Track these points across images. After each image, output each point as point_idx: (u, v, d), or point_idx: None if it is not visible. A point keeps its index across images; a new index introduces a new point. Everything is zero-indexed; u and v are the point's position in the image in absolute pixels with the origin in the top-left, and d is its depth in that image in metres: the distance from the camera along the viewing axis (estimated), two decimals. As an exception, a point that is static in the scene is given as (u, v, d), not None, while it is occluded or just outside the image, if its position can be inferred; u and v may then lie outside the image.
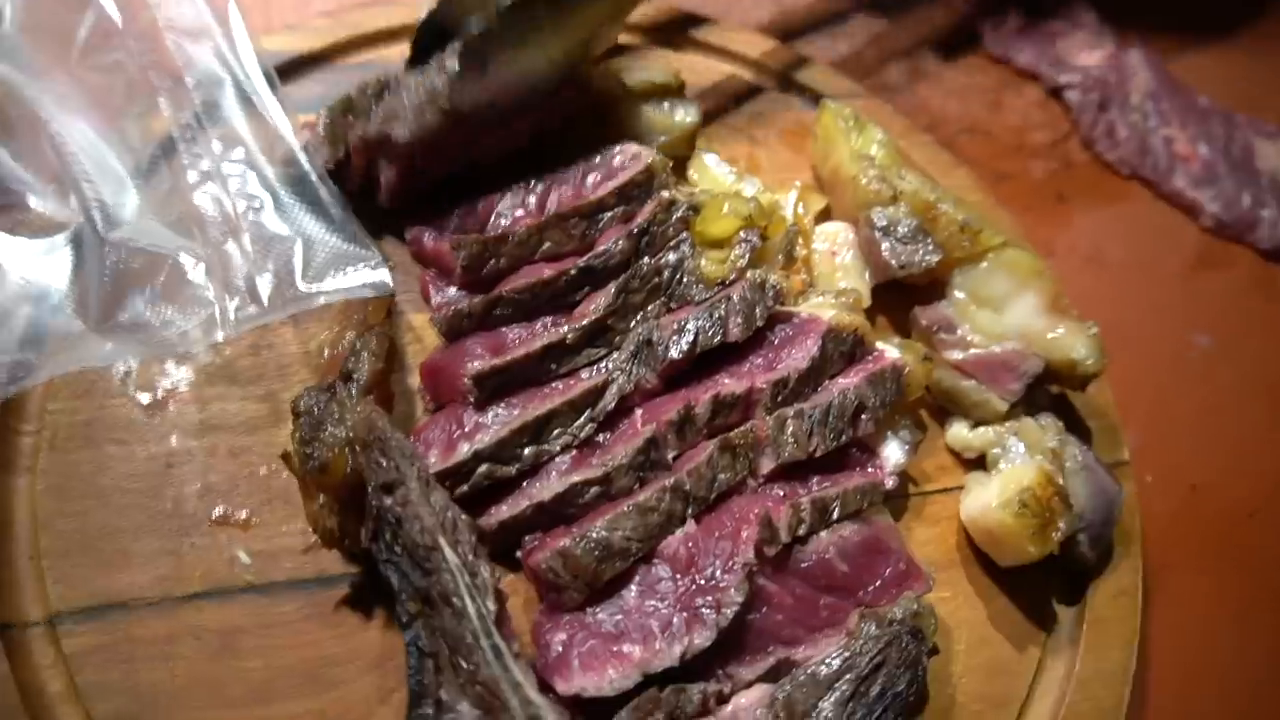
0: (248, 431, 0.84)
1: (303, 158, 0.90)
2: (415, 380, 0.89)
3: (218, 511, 0.80)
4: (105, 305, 0.84)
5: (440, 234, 0.93)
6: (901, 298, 0.99)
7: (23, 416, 0.82)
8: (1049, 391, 0.97)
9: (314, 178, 0.90)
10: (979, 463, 0.94)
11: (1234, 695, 0.95)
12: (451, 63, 0.87)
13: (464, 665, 0.65)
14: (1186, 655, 0.95)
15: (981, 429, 0.93)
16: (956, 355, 0.93)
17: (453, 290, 0.91)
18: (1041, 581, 0.89)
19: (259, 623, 0.77)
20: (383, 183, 0.93)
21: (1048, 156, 1.27)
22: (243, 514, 0.80)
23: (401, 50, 1.06)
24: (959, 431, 0.94)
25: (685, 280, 0.90)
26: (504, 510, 0.79)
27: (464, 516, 0.71)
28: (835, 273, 0.99)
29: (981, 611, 0.88)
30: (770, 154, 1.11)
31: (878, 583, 0.80)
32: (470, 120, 0.90)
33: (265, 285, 0.85)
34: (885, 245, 0.96)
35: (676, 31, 1.17)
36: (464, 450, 0.79)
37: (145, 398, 0.84)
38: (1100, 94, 1.30)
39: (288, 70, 1.04)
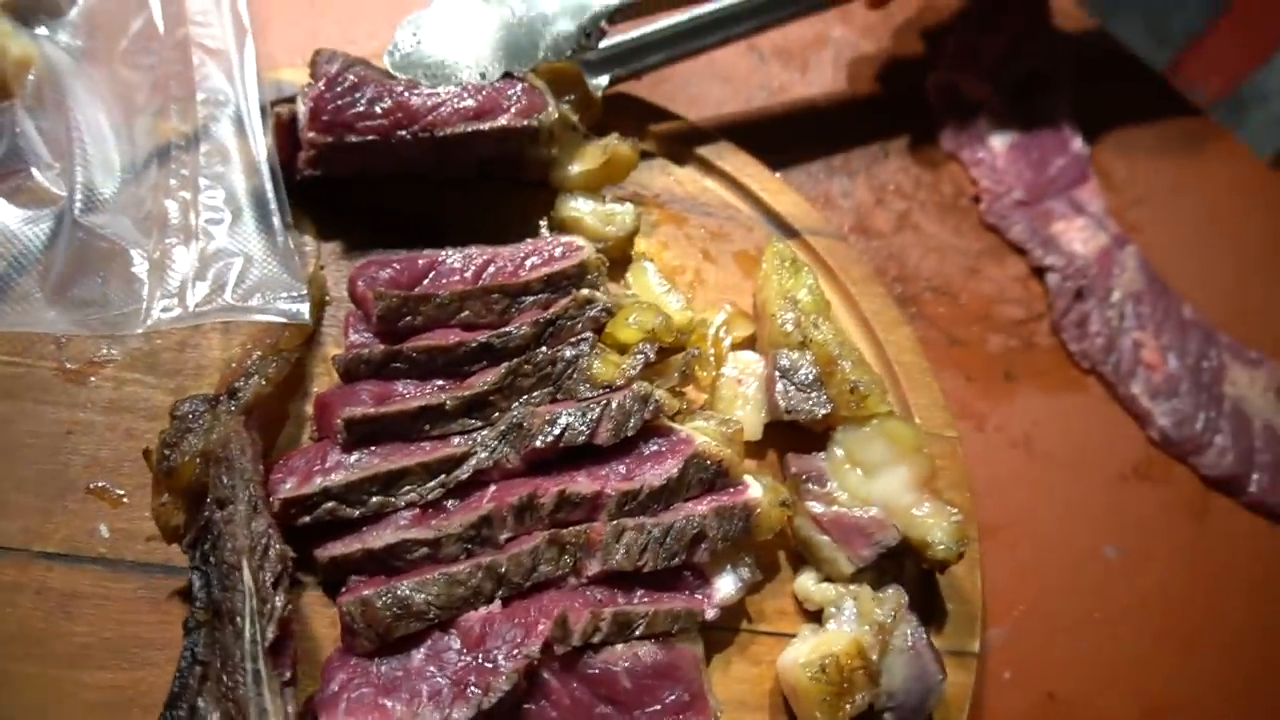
0: (148, 418, 0.92)
1: (268, 185, 0.99)
2: (310, 408, 0.96)
3: (98, 483, 0.89)
4: (61, 278, 0.94)
5: (374, 281, 1.00)
6: (796, 439, 1.02)
7: (-38, 359, 0.93)
8: (916, 564, 0.98)
9: (273, 206, 0.99)
10: (817, 616, 0.96)
11: None
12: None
13: (226, 681, 0.71)
14: None
15: (826, 585, 0.95)
16: (818, 508, 0.96)
17: (367, 334, 0.98)
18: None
19: (98, 593, 0.84)
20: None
21: (1010, 333, 1.28)
22: (118, 492, 0.89)
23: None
24: (804, 582, 0.96)
25: (575, 376, 0.95)
26: (339, 548, 0.85)
27: (278, 548, 0.78)
28: (736, 399, 1.03)
29: (769, 763, 0.90)
30: (720, 272, 1.15)
31: (657, 706, 0.83)
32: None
33: (198, 292, 0.94)
34: (779, 387, 0.99)
35: (681, 144, 1.22)
36: (316, 483, 0.86)
37: (72, 365, 0.93)
38: (1081, 283, 1.30)
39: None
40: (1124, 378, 1.26)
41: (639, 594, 0.88)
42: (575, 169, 1.08)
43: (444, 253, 1.02)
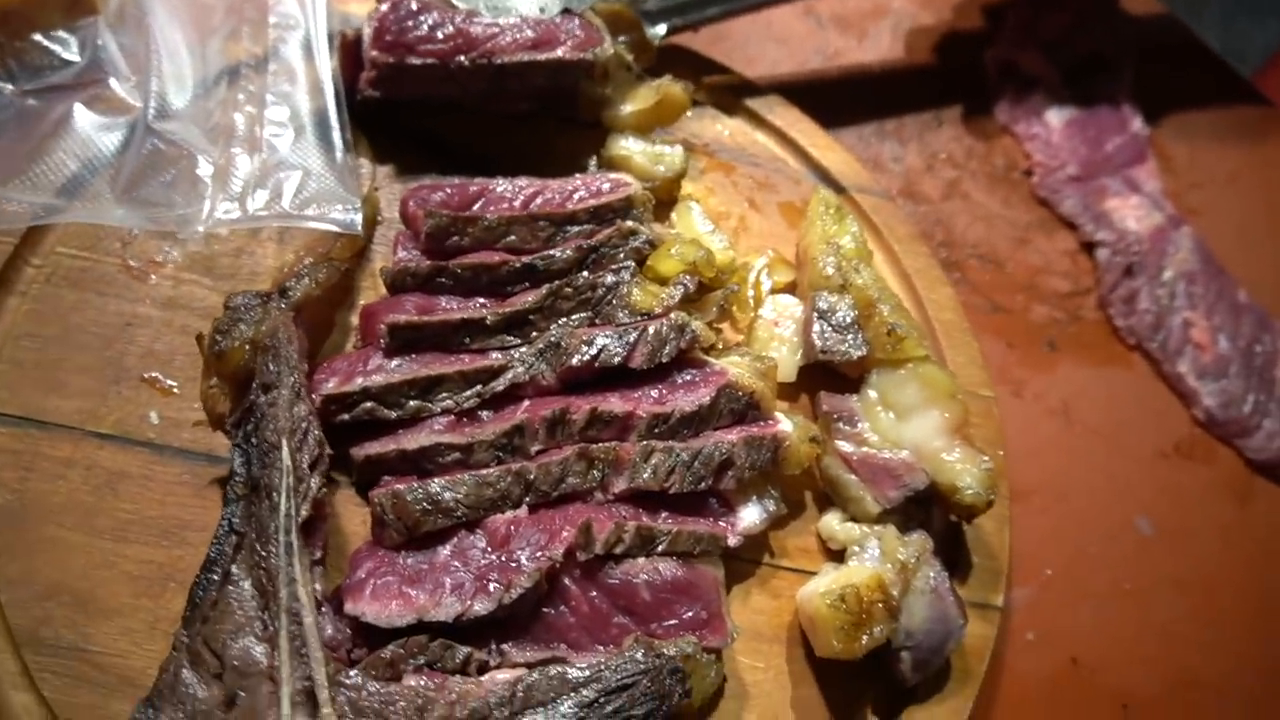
0: (203, 316, 0.95)
1: (331, 105, 1.03)
2: (355, 318, 0.99)
3: (151, 374, 0.92)
4: (131, 179, 0.98)
5: (424, 201, 1.03)
6: (830, 382, 1.02)
7: (35, 250, 0.97)
8: (944, 516, 0.98)
9: (334, 125, 1.02)
10: (840, 557, 0.96)
11: None
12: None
13: (259, 550, 0.73)
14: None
15: (850, 525, 0.95)
16: (847, 448, 0.96)
17: (415, 252, 1.01)
18: (858, 687, 0.91)
19: (144, 474, 0.88)
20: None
21: (1055, 304, 1.26)
22: (170, 382, 0.92)
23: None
24: (829, 521, 0.96)
25: (615, 302, 0.97)
26: (374, 447, 0.88)
27: (318, 433, 0.80)
28: (771, 341, 1.04)
29: (786, 693, 0.90)
30: (764, 221, 1.16)
31: (674, 621, 0.84)
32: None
33: (258, 199, 0.97)
34: (816, 327, 1.00)
35: (733, 96, 1.24)
36: (357, 383, 0.88)
37: (135, 263, 0.97)
38: (1132, 259, 1.29)
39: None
40: (1171, 356, 1.24)
41: (663, 515, 0.89)
42: (627, 109, 1.10)
43: (494, 181, 1.05)
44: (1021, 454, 1.11)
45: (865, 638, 0.85)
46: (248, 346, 0.83)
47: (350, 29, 1.07)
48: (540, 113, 1.11)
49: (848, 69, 1.39)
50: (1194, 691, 1.04)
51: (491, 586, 0.79)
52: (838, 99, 1.35)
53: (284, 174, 0.99)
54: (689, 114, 1.14)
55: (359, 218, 0.97)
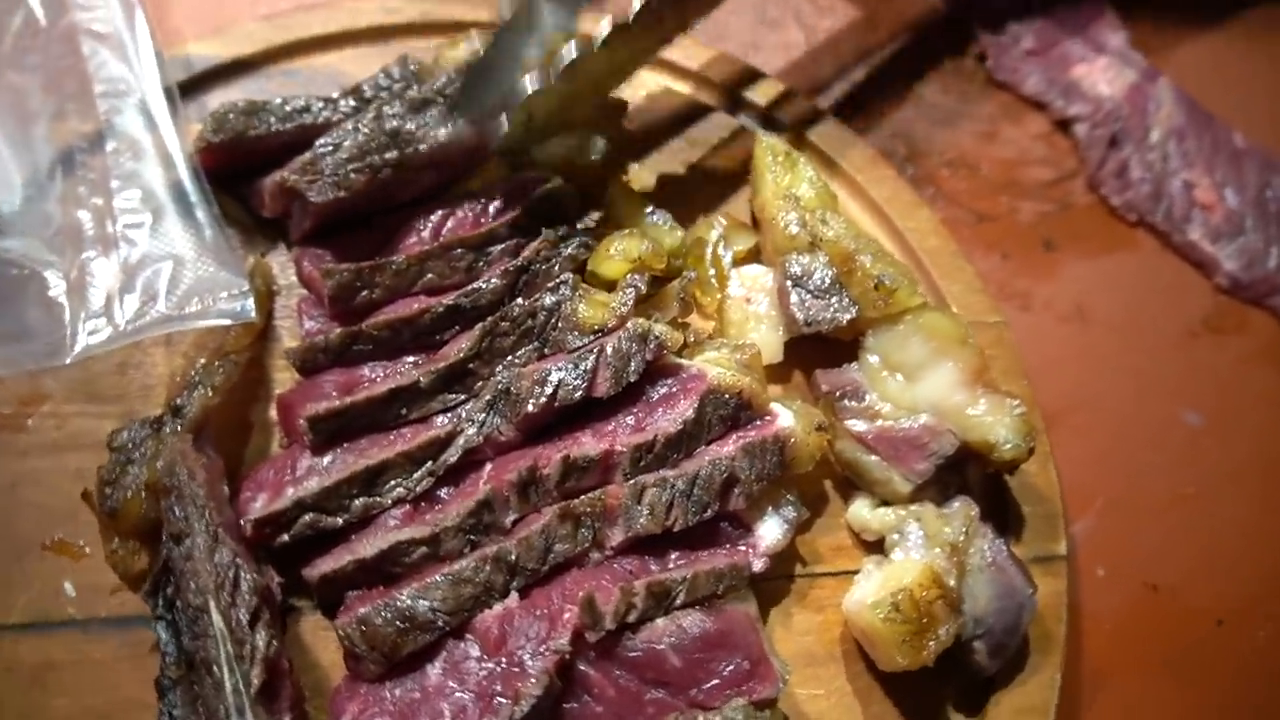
0: (98, 452, 0.81)
1: (185, 176, 0.88)
2: (275, 412, 0.86)
3: (54, 537, 0.79)
4: (-25, 315, 0.84)
5: (320, 258, 0.89)
6: (824, 352, 0.90)
7: (-120, 427, 0.83)
8: (981, 470, 0.86)
9: (195, 199, 0.88)
10: (879, 547, 0.85)
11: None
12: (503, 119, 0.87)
13: (213, 741, 0.61)
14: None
15: (883, 510, 0.84)
16: (860, 426, 0.84)
17: (323, 320, 0.87)
18: (934, 689, 0.80)
19: (73, 659, 0.75)
20: (293, 227, 0.91)
21: (1042, 197, 1.14)
22: (79, 542, 0.79)
23: (330, 60, 1.04)
24: (859, 510, 0.85)
25: (561, 325, 0.84)
26: (328, 563, 0.75)
27: (250, 579, 0.67)
28: (747, 321, 0.91)
29: (856, 715, 0.80)
30: (707, 184, 1.02)
31: (715, 681, 0.72)
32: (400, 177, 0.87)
33: (129, 306, 0.83)
34: (794, 297, 0.87)
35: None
36: (289, 495, 0.75)
37: (5, 410, 0.83)
38: (1115, 128, 1.16)
39: (214, 76, 1.02)
40: (1178, 224, 1.12)
41: (673, 557, 0.78)
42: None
43: (395, 216, 0.91)
44: (1045, 373, 0.99)
45: (931, 644, 0.74)
46: (144, 493, 0.70)
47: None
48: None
49: (760, -11, 1.24)
50: (1289, 591, 0.94)
51: (497, 702, 0.67)
52: (761, 32, 1.21)
53: (151, 270, 0.85)
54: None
55: (249, 300, 0.83)
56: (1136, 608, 0.93)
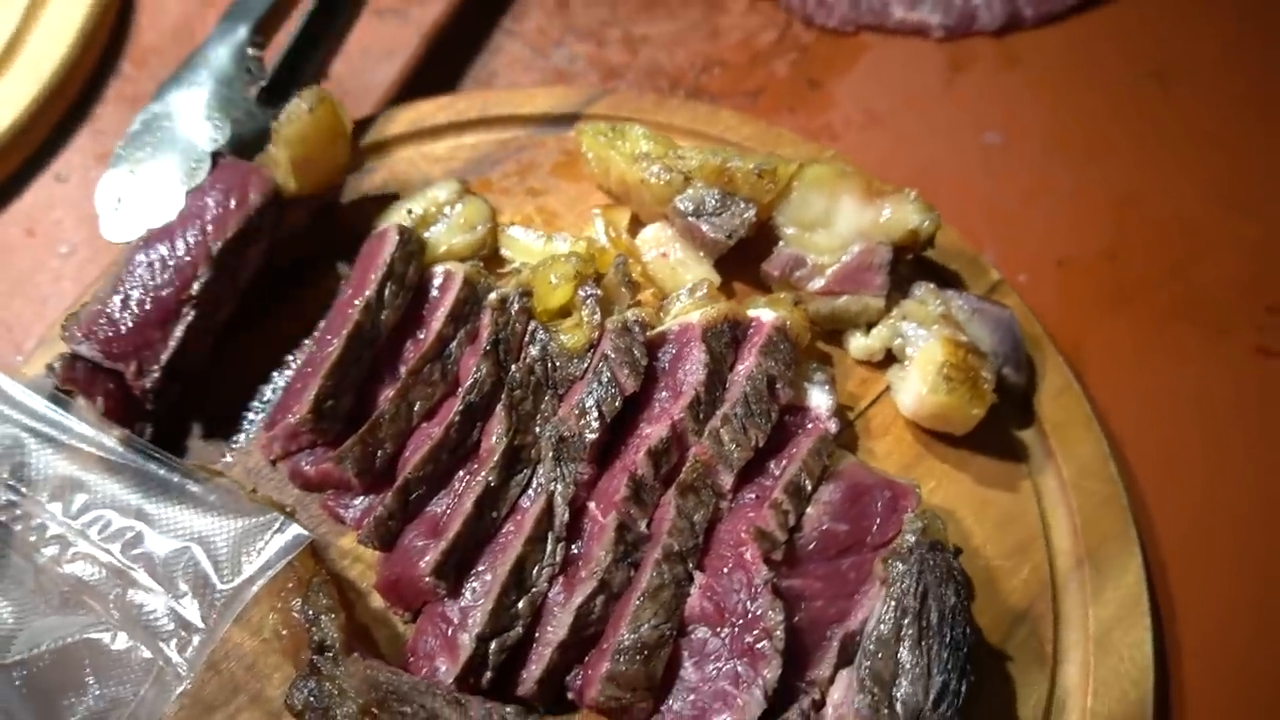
0: (259, 749, 0.80)
1: (119, 449, 0.85)
2: (379, 600, 0.86)
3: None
4: (44, 724, 0.78)
5: (320, 457, 0.89)
6: (742, 257, 1.01)
7: None
8: (908, 263, 1.01)
9: (152, 467, 0.85)
10: (889, 361, 0.98)
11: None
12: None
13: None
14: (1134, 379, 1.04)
15: (875, 330, 0.97)
16: (819, 283, 0.97)
17: (360, 500, 0.88)
18: (995, 424, 0.94)
19: None
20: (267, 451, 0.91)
21: (781, 53, 1.31)
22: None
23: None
24: (858, 343, 0.98)
25: (559, 365, 0.90)
26: (534, 670, 0.79)
27: (509, 709, 0.70)
28: (675, 269, 1.01)
29: (967, 481, 0.93)
30: (558, 197, 1.11)
31: (877, 521, 0.83)
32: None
33: (191, 610, 0.80)
34: (704, 225, 0.98)
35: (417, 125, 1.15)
36: (466, 641, 0.78)
37: (141, 786, 0.79)
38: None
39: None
40: (882, 14, 1.32)
41: (775, 467, 0.87)
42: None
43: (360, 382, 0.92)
44: (881, 170, 1.16)
45: (986, 385, 0.89)
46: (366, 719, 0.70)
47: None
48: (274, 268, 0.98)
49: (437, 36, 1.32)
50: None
51: (759, 648, 0.74)
52: (480, 66, 1.29)
53: (185, 564, 0.82)
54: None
55: (293, 524, 0.83)
56: (1089, 280, 1.11)
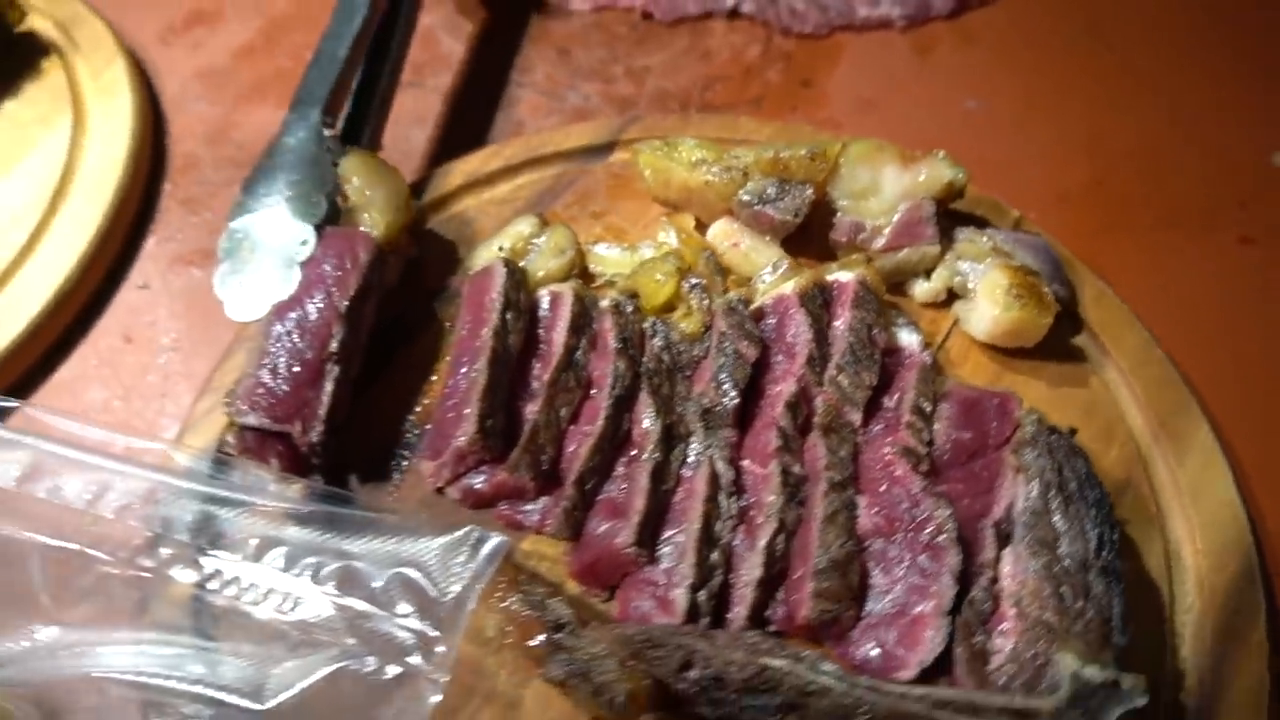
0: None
1: (320, 505, 0.92)
2: (573, 587, 0.94)
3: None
4: None
5: (484, 473, 0.97)
6: (801, 237, 1.14)
7: None
8: (945, 215, 1.15)
9: (350, 512, 0.92)
10: (950, 300, 1.11)
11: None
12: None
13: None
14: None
15: (935, 273, 1.10)
16: (880, 242, 1.10)
17: (535, 503, 0.96)
18: (1052, 336, 1.06)
19: None
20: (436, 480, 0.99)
21: (769, 63, 1.46)
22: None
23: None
24: (923, 287, 1.11)
25: (682, 351, 1.01)
26: (740, 610, 0.88)
27: (750, 633, 0.80)
28: (749, 256, 1.13)
29: (1043, 387, 1.06)
30: (620, 216, 1.22)
31: (994, 425, 0.95)
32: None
33: (422, 624, 0.87)
34: (770, 210, 1.10)
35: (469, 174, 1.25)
36: (679, 595, 0.86)
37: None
38: (754, -11, 1.50)
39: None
40: (849, 13, 1.49)
41: (890, 401, 0.99)
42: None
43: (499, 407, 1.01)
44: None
45: (1050, 297, 1.03)
46: (626, 671, 0.78)
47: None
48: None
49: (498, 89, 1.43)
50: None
51: (937, 541, 0.86)
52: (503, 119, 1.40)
53: (401, 587, 0.89)
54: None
55: (494, 534, 0.90)
56: (1073, 190, 1.28)
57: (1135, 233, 1.26)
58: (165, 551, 0.93)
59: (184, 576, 0.92)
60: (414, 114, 1.41)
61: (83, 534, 0.94)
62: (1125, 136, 1.35)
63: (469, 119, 1.41)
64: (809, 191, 1.10)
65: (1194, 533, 0.96)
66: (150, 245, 1.29)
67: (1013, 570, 0.85)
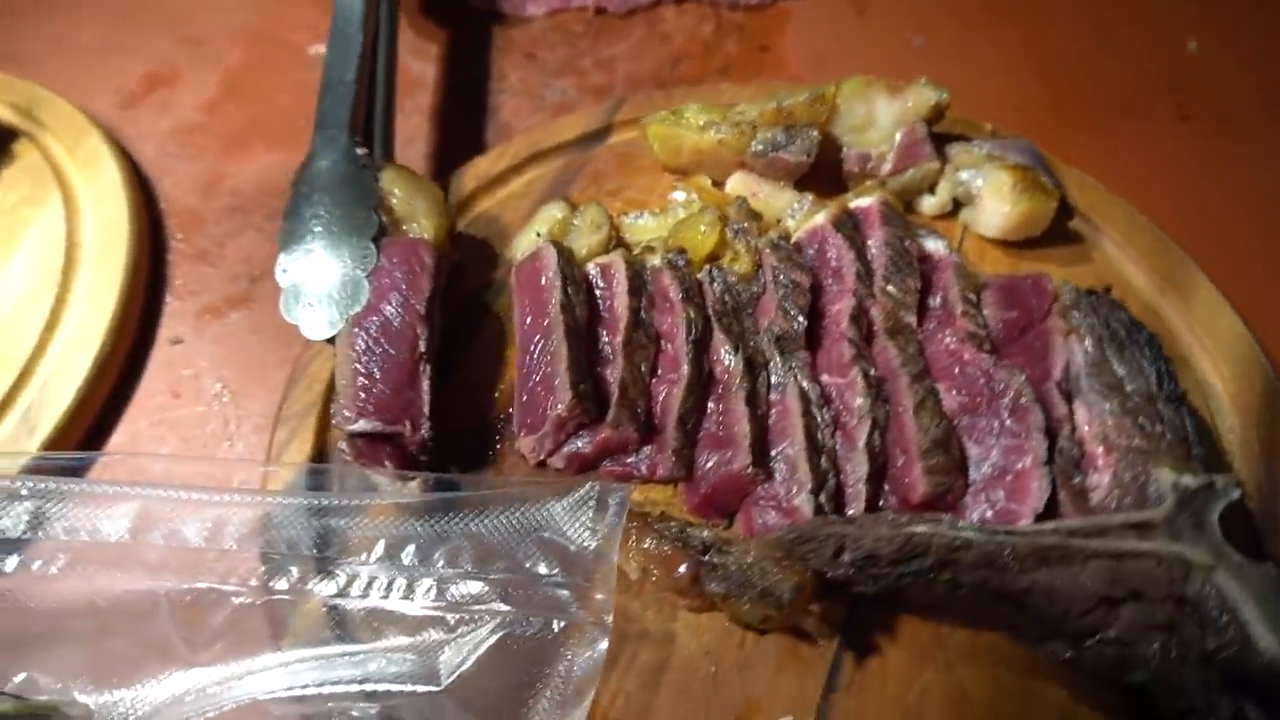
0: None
1: (438, 494, 0.95)
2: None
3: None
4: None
5: (585, 435, 1.02)
6: (812, 176, 1.23)
7: None
8: (931, 137, 1.26)
9: (469, 493, 0.95)
10: (956, 210, 1.22)
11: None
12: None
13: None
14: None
15: (939, 186, 1.21)
16: (887, 167, 1.20)
17: (640, 453, 1.01)
18: (1050, 226, 1.19)
19: None
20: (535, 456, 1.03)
21: (725, 36, 1.55)
22: (738, 706, 0.89)
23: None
24: (929, 201, 1.21)
25: (740, 290, 1.08)
26: (858, 506, 0.95)
27: (886, 511, 0.87)
28: (769, 202, 1.21)
29: (1055, 267, 1.17)
30: (635, 189, 1.28)
31: (1034, 301, 1.05)
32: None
33: (564, 581, 0.91)
34: (785, 155, 1.18)
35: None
36: (804, 500, 0.93)
37: None
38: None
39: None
40: (784, -18, 1.59)
41: (934, 300, 1.08)
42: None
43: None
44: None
45: (1049, 184, 1.15)
46: (785, 567, 0.84)
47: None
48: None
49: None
50: None
51: (1020, 402, 0.95)
52: (493, 124, 1.45)
53: (537, 552, 0.93)
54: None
55: (611, 485, 0.95)
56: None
57: (1087, 128, 1.39)
58: (295, 570, 0.95)
59: (324, 590, 0.94)
60: (402, 135, 1.43)
61: (210, 571, 0.96)
62: (1059, 45, 1.49)
63: (457, 132, 1.45)
64: (815, 133, 1.19)
65: (1217, 363, 1.08)
66: (173, 304, 1.29)
67: (1088, 417, 0.94)
